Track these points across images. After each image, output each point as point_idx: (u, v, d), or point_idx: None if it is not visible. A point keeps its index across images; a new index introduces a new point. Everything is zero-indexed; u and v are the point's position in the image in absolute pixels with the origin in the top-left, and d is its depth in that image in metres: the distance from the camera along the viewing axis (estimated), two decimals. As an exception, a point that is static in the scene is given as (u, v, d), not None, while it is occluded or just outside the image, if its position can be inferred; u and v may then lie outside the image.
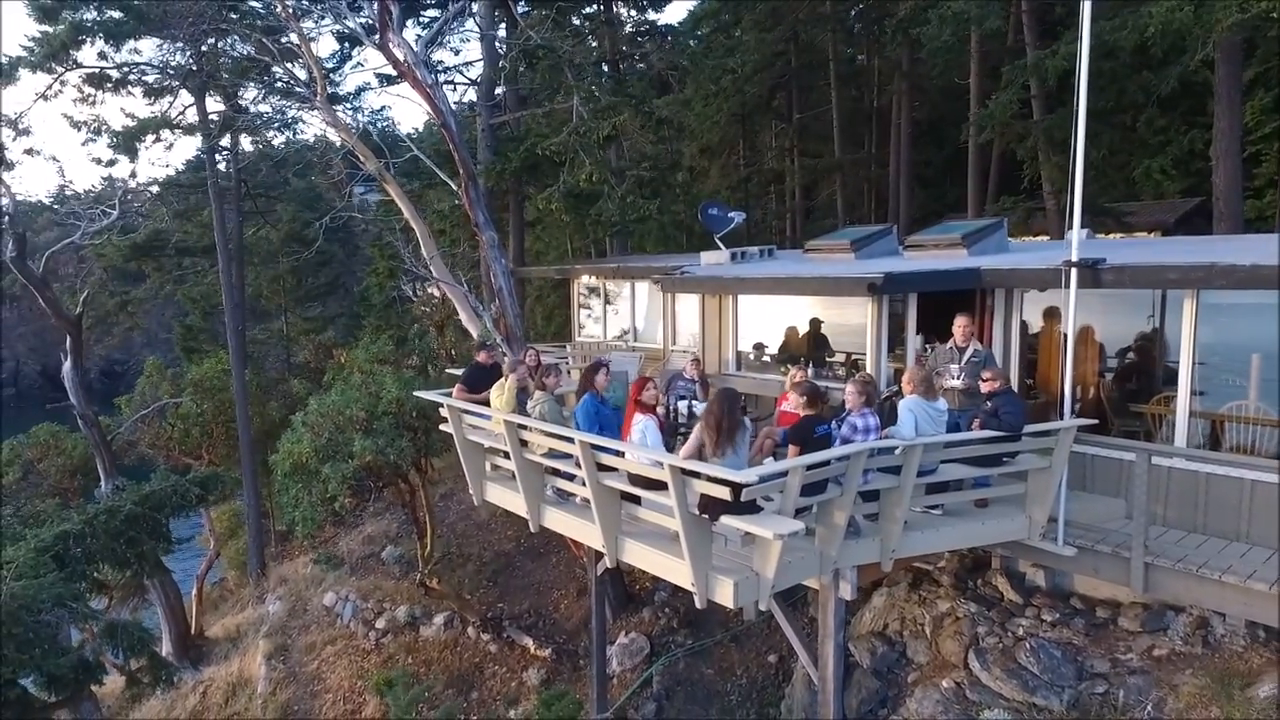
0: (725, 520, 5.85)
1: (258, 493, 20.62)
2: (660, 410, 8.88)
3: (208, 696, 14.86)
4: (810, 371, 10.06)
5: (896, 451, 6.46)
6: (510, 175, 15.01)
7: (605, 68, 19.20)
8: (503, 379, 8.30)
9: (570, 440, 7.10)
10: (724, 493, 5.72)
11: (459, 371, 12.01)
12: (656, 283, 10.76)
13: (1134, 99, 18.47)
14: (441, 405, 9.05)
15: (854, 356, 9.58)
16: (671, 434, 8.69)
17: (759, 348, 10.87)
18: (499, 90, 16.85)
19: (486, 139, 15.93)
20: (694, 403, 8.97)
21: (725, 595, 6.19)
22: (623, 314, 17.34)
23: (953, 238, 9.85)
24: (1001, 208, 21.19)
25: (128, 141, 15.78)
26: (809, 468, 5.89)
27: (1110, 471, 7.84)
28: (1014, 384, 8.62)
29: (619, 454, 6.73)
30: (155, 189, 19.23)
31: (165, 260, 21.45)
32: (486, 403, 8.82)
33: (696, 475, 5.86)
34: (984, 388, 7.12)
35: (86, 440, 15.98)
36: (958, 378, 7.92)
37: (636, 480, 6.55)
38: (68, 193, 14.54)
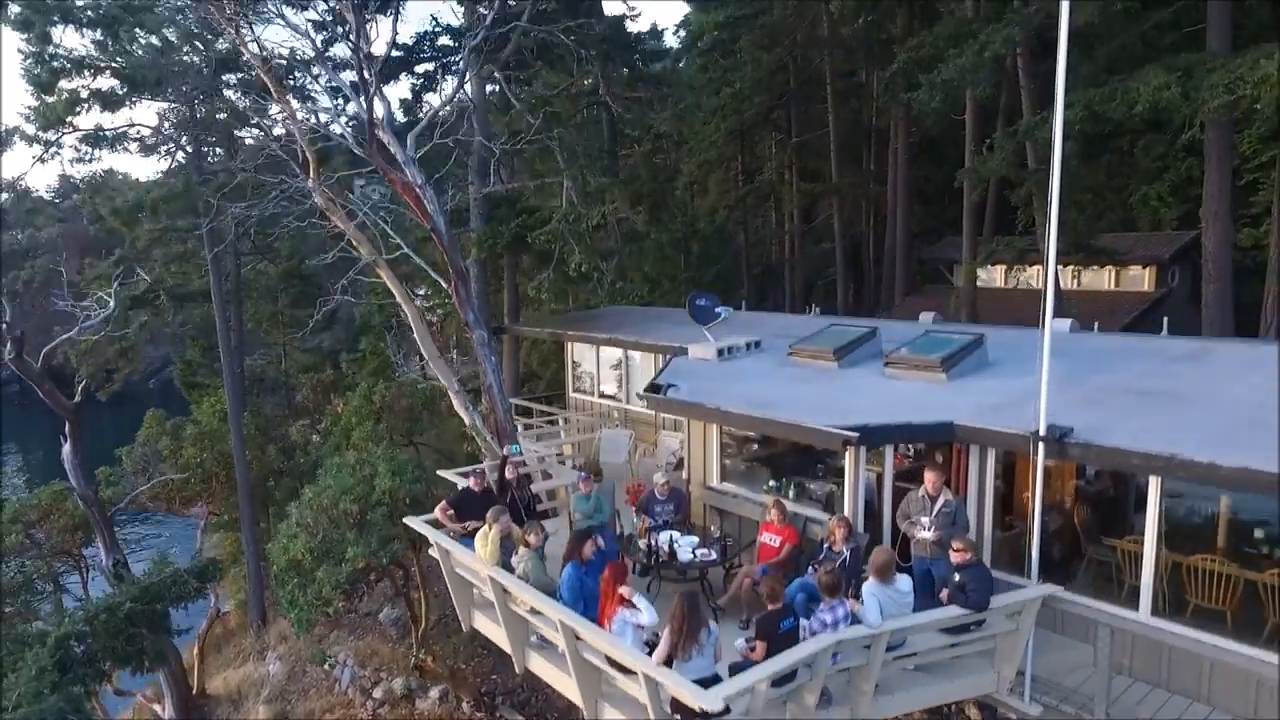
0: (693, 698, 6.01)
1: (256, 540, 20.93)
2: (643, 544, 9.13)
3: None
4: (792, 492, 10.31)
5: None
6: (502, 248, 15.16)
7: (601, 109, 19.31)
8: (487, 527, 8.50)
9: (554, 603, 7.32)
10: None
11: (451, 476, 12.26)
12: (642, 398, 10.93)
13: (1132, 124, 18.41)
14: (434, 537, 9.26)
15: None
16: (660, 565, 8.91)
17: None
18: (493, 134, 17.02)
19: (479, 208, 16.06)
20: (675, 538, 9.17)
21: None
22: (618, 375, 17.54)
23: (933, 361, 10.01)
24: (994, 250, 21.34)
25: (129, 214, 15.92)
26: (777, 678, 6.09)
27: (1078, 622, 8.05)
28: (989, 519, 8.85)
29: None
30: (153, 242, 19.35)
31: (161, 305, 21.65)
32: (472, 534, 9.08)
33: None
34: (954, 558, 7.33)
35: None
36: (929, 529, 8.12)
37: (614, 663, 6.77)
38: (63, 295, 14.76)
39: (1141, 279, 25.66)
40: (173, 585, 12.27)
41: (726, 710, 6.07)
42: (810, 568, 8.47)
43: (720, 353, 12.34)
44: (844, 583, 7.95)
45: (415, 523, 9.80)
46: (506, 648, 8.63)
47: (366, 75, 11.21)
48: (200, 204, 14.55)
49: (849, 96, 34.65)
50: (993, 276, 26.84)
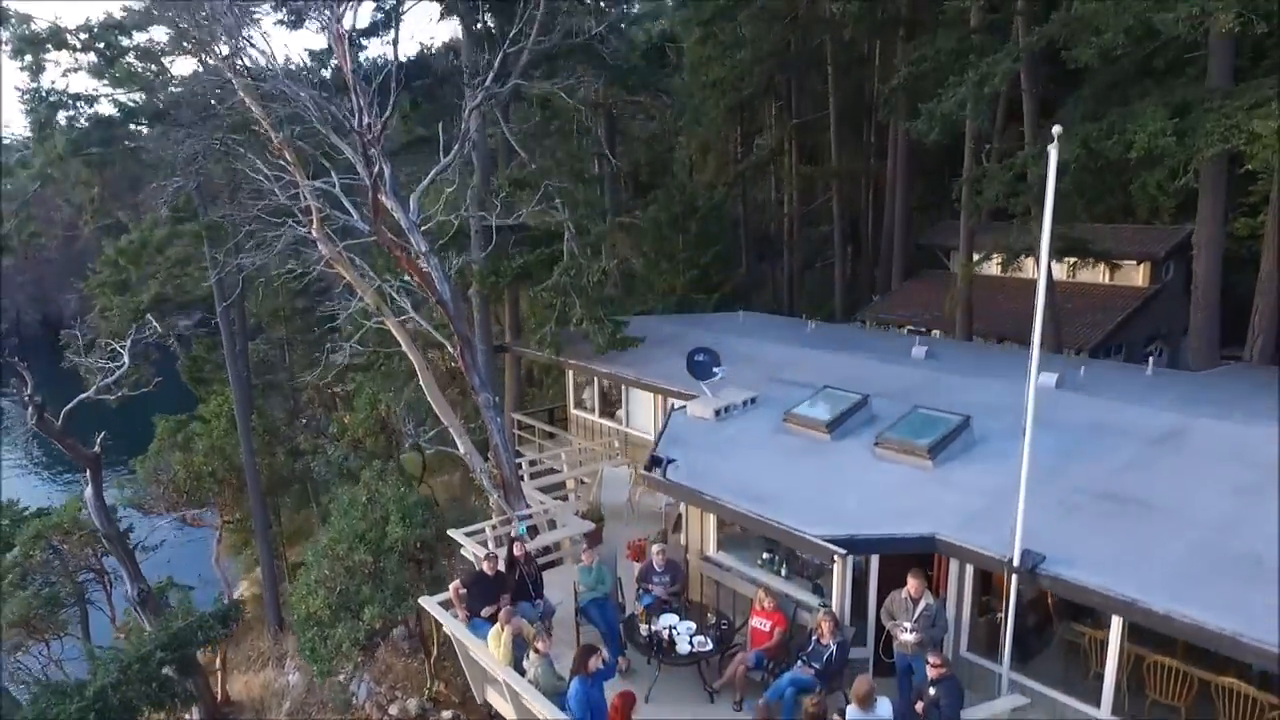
0: None
1: (269, 544, 21.75)
2: (644, 630, 9.78)
3: (239, 773, 16.34)
4: (784, 569, 10.91)
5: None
6: (503, 284, 15.43)
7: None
8: (499, 628, 9.12)
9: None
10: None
11: (459, 537, 12.81)
12: (641, 478, 11.43)
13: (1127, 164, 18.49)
14: (449, 624, 9.90)
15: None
16: (660, 653, 9.57)
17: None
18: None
19: (479, 239, 16.26)
20: (674, 626, 9.80)
21: None
22: (618, 410, 18.01)
23: (920, 447, 10.50)
24: (988, 253, 21.54)
25: (134, 254, 16.05)
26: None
27: (1044, 700, 8.74)
28: (966, 617, 9.49)
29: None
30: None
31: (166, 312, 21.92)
32: (487, 619, 9.76)
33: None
34: (930, 672, 7.96)
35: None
36: (910, 632, 8.76)
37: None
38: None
39: (1136, 274, 25.87)
40: (199, 629, 13.01)
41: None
42: (799, 660, 9.15)
43: (718, 413, 12.79)
44: (830, 675, 8.69)
45: (430, 605, 10.41)
46: (518, 728, 9.36)
47: (369, 152, 11.32)
48: (205, 250, 14.67)
49: (850, 69, 34.14)
50: (990, 266, 26.90)
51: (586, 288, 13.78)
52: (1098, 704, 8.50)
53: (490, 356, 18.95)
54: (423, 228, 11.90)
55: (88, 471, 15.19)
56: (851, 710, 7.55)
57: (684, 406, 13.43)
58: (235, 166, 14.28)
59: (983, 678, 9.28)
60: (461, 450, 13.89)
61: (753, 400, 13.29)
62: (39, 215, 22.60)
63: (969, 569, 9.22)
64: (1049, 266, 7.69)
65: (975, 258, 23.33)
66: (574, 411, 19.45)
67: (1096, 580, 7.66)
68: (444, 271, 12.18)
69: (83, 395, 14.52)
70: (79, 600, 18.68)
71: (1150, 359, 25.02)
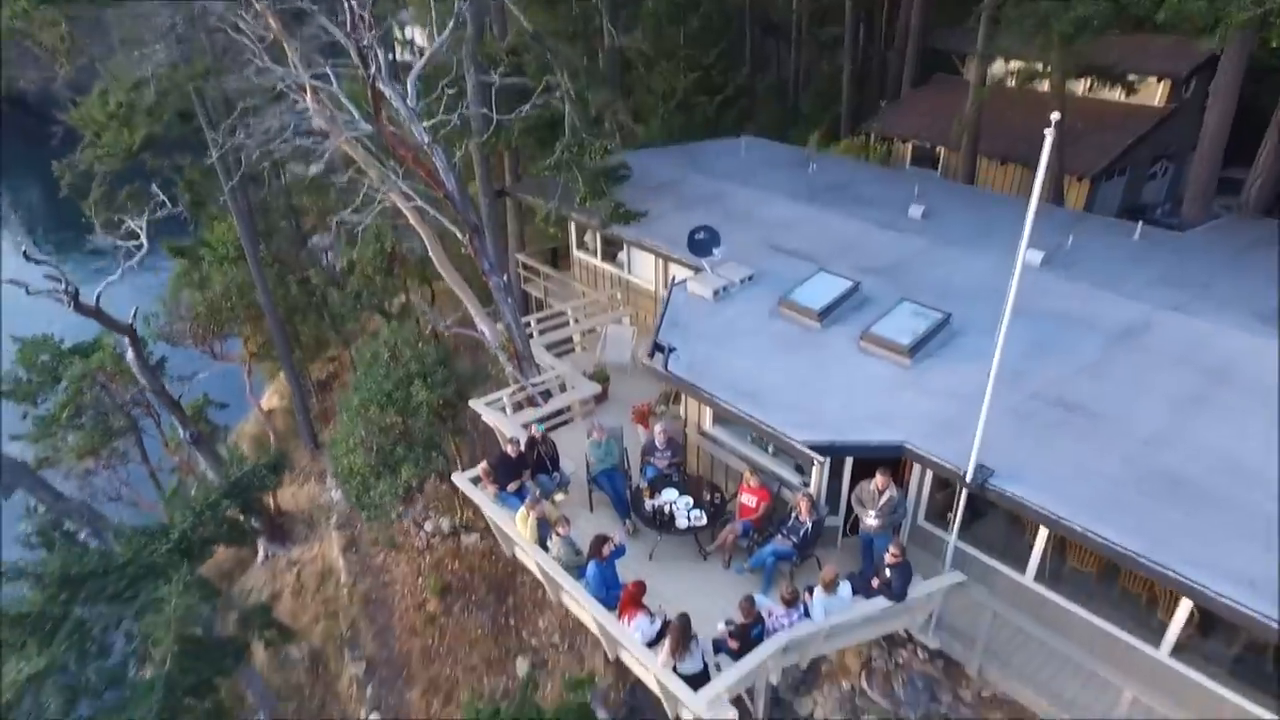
0: (688, 702, 8.70)
1: (294, 370, 23.28)
2: (649, 506, 11.41)
3: (302, 578, 19.15)
4: (771, 447, 12.30)
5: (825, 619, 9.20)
6: (505, 146, 15.39)
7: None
8: (526, 510, 10.67)
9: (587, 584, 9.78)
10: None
11: (479, 408, 14.08)
12: (645, 365, 12.38)
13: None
14: (479, 500, 11.50)
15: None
16: (661, 526, 11.24)
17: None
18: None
19: (476, 95, 15.91)
20: (674, 502, 11.39)
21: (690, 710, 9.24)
22: (619, 254, 18.54)
23: (901, 346, 11.45)
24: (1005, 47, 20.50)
25: (125, 116, 15.50)
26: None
27: (979, 566, 10.55)
28: (924, 504, 11.04)
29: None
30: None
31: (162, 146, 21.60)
32: (511, 490, 11.38)
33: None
34: (888, 559, 9.61)
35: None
36: (874, 518, 10.33)
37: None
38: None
39: (1155, 92, 25.00)
40: (254, 477, 14.80)
41: (707, 677, 8.78)
42: (780, 532, 10.83)
43: (716, 293, 13.55)
44: (805, 547, 10.41)
45: (461, 481, 11.93)
46: (543, 579, 11.27)
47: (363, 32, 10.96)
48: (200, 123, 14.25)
49: None
50: (1004, 72, 25.79)
51: (589, 163, 13.83)
52: (1023, 570, 10.26)
53: (492, 201, 19.15)
54: (426, 124, 11.80)
55: (126, 340, 16.18)
56: (818, 593, 9.27)
57: (684, 282, 14.14)
58: (219, 32, 13.61)
59: (935, 542, 11.02)
60: (477, 322, 14.79)
61: (750, 278, 13.98)
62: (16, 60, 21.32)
63: (928, 478, 10.63)
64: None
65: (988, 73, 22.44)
66: (576, 253, 19.98)
67: (1033, 497, 9.01)
68: (448, 162, 12.28)
69: (110, 279, 15.07)
70: (132, 428, 20.57)
71: (1154, 179, 24.98)
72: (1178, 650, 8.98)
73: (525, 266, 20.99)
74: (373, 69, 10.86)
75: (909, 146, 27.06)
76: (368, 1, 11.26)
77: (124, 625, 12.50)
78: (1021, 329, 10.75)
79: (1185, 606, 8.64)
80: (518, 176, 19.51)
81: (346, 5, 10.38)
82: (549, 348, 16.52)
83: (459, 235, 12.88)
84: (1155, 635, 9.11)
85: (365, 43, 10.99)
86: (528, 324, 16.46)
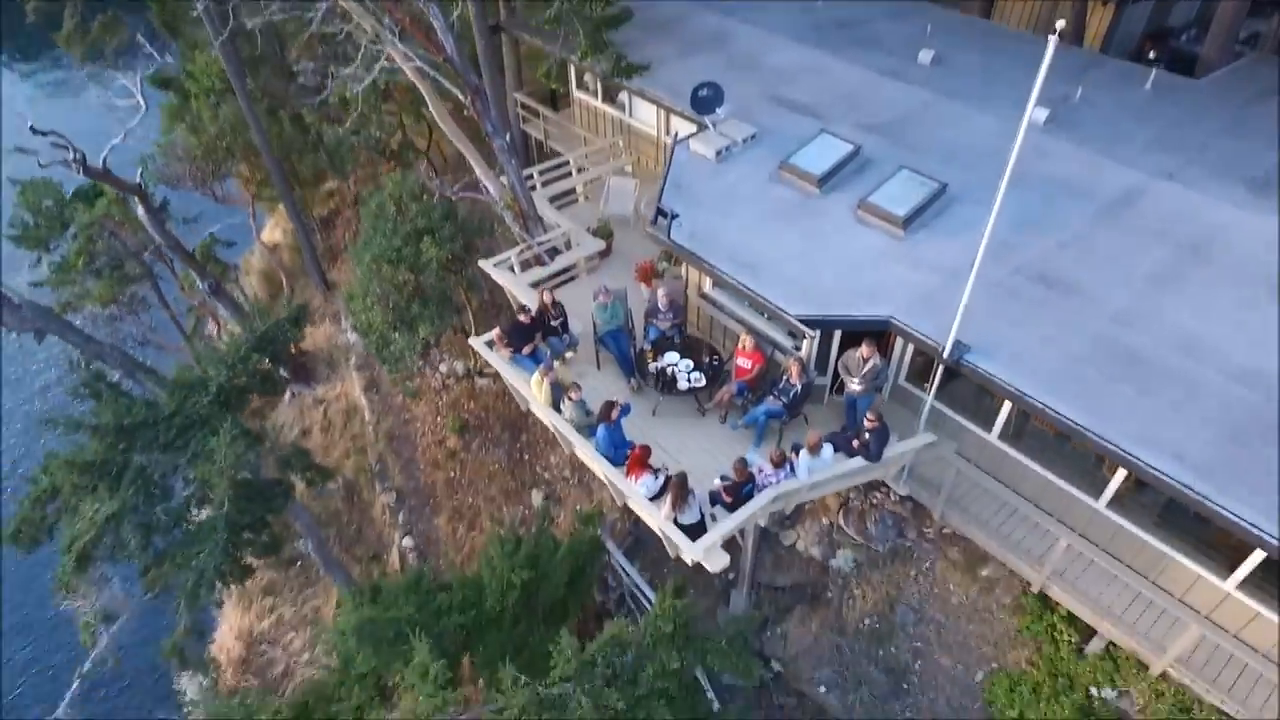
0: (686, 550, 10.11)
1: (297, 209, 23.37)
2: (652, 369, 12.37)
3: (329, 415, 20.58)
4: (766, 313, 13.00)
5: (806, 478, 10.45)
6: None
7: None
8: (540, 376, 11.60)
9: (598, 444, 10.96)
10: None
11: (488, 268, 14.59)
12: (649, 232, 12.71)
13: None
14: (495, 362, 12.40)
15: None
16: (667, 390, 12.24)
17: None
18: None
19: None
20: (675, 364, 12.31)
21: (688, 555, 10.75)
22: (621, 104, 18.18)
23: (895, 216, 11.83)
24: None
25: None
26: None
27: (950, 424, 11.71)
28: (905, 368, 11.95)
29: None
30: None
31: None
32: (526, 353, 12.30)
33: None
34: (867, 424, 10.67)
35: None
36: (857, 384, 11.31)
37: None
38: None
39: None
40: (278, 331, 15.61)
41: (704, 527, 10.18)
42: (772, 394, 11.86)
43: (718, 153, 13.64)
44: (794, 407, 11.51)
45: (478, 345, 12.78)
46: (555, 432, 12.47)
47: None
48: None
49: None
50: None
51: (590, 14, 13.30)
52: (990, 429, 11.39)
53: (488, 39, 18.44)
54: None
55: (136, 198, 16.24)
56: (803, 454, 10.42)
57: (687, 140, 14.15)
58: None
59: (913, 400, 12.09)
60: (481, 180, 14.95)
61: (753, 136, 13.99)
62: None
63: (909, 350, 11.44)
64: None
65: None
66: (577, 94, 19.51)
67: (1001, 373, 9.88)
68: (446, 22, 11.90)
69: (114, 141, 14.83)
70: (148, 275, 21.11)
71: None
72: (1114, 502, 10.29)
73: (524, 107, 20.55)
74: None
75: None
76: None
77: (180, 471, 13.91)
78: (1016, 198, 10.96)
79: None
80: (513, 9, 18.59)
81: None
82: (552, 200, 16.76)
83: (460, 96, 12.76)
84: (1097, 489, 10.38)
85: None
86: (530, 176, 16.55)
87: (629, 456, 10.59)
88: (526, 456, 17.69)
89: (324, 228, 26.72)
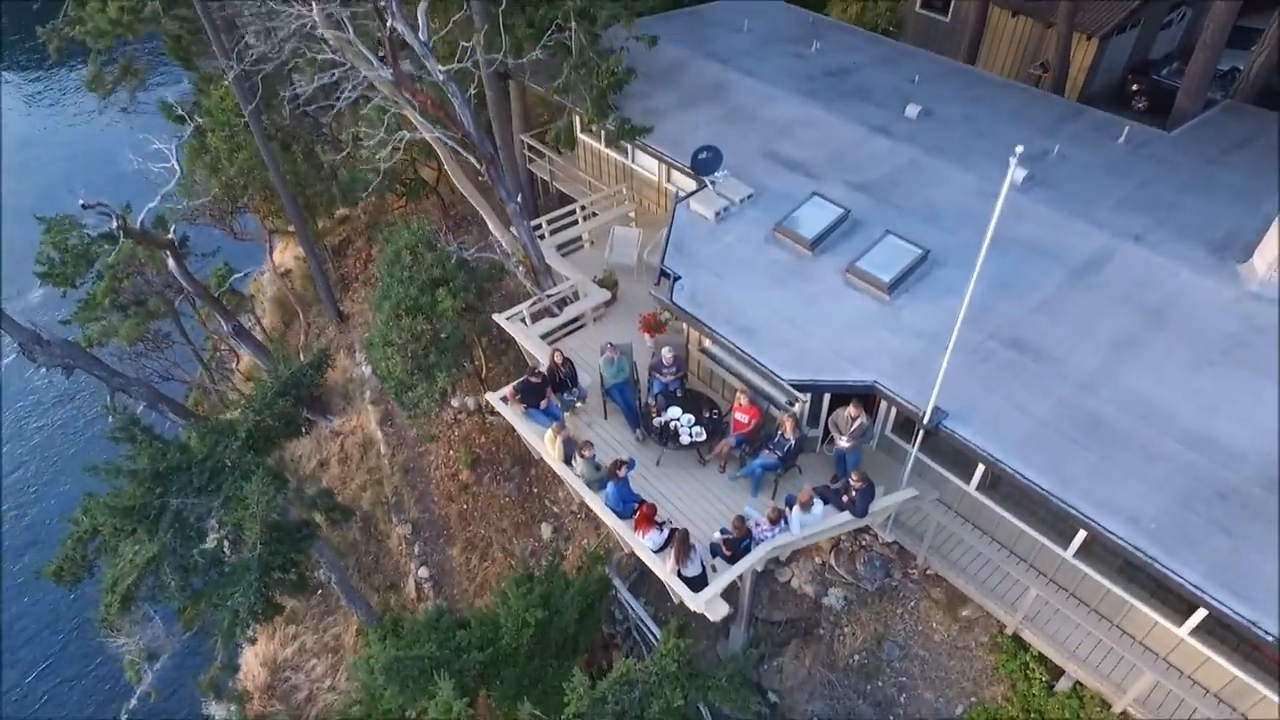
0: (689, 601, 11.05)
1: (310, 245, 24.29)
2: (656, 423, 13.29)
3: (346, 447, 21.52)
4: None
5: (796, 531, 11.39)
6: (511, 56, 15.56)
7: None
8: (553, 433, 12.52)
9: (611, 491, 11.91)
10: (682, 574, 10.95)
11: (502, 321, 15.50)
12: (653, 295, 13.62)
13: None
14: (508, 415, 13.32)
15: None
16: (670, 443, 13.16)
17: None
18: None
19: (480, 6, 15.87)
20: (678, 419, 13.23)
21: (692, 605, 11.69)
22: (624, 149, 19.04)
23: (881, 282, 12.75)
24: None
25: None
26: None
27: (933, 474, 12.66)
28: (890, 423, 12.87)
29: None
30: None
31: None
32: (543, 408, 13.22)
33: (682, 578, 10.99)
34: (853, 483, 11.61)
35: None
36: (846, 440, 12.24)
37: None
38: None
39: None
40: (302, 375, 16.55)
41: (705, 580, 11.12)
42: (767, 448, 12.79)
43: (718, 214, 14.55)
44: (788, 460, 12.44)
45: (494, 399, 13.71)
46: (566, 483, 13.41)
47: None
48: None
49: None
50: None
51: (597, 84, 14.17)
52: (969, 480, 12.31)
53: (497, 89, 19.34)
54: (444, 69, 12.20)
55: (169, 253, 17.16)
56: (796, 510, 11.36)
57: (688, 199, 15.04)
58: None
59: (898, 450, 13.02)
60: (492, 231, 15.86)
61: (749, 197, 14.89)
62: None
63: (893, 412, 12.38)
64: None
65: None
66: (581, 136, 20.36)
67: (975, 439, 10.79)
68: (464, 98, 12.78)
69: (151, 205, 15.75)
70: (171, 311, 22.02)
71: (1169, 26, 24.33)
72: (1080, 551, 11.22)
73: (530, 148, 21.41)
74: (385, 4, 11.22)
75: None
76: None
77: (214, 513, 14.85)
78: (993, 261, 11.82)
79: (1089, 524, 10.74)
80: (519, 54, 19.43)
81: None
82: (559, 247, 17.67)
83: (475, 163, 13.66)
84: (1065, 540, 11.30)
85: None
86: (539, 226, 17.45)
87: (636, 511, 11.52)
88: (535, 490, 18.63)
89: (335, 255, 27.63)
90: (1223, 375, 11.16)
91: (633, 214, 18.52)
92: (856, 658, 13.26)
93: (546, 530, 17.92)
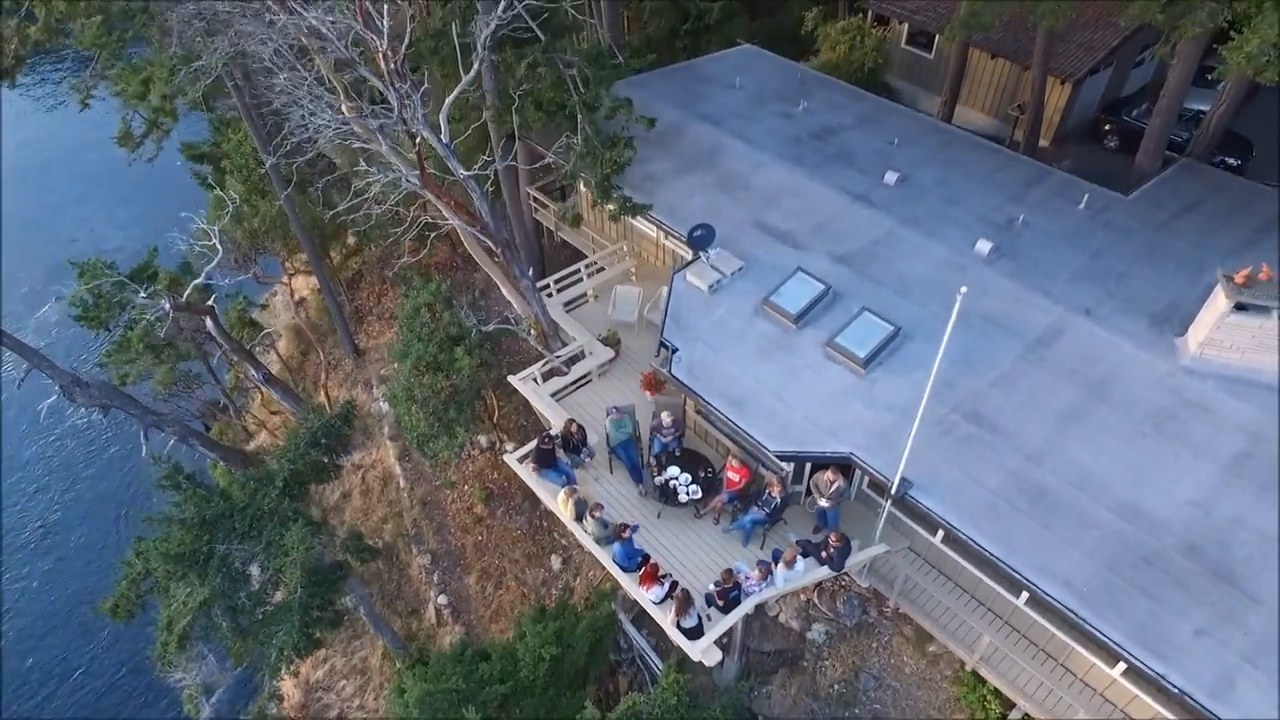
0: (688, 650, 12.67)
1: (327, 281, 25.74)
2: (657, 482, 14.87)
3: (367, 480, 23.08)
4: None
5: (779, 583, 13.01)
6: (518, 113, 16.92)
7: None
8: (565, 495, 14.09)
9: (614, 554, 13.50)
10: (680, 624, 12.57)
11: (516, 383, 17.01)
12: (654, 367, 15.15)
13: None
14: (524, 475, 14.90)
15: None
16: (669, 501, 14.74)
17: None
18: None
19: (489, 73, 17.25)
20: (676, 478, 14.81)
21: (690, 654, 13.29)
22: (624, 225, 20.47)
23: (858, 357, 14.29)
24: None
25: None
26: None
27: (906, 528, 14.27)
28: (866, 483, 14.46)
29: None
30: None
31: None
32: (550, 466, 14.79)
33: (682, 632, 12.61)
34: (832, 541, 13.22)
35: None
36: (826, 501, 13.84)
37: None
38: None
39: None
40: (332, 426, 18.11)
41: (702, 630, 12.74)
42: (755, 506, 14.37)
43: (710, 287, 16.06)
44: (775, 515, 14.02)
45: (511, 461, 15.27)
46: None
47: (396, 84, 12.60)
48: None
49: None
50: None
51: (601, 170, 15.64)
52: (935, 534, 13.90)
53: (504, 149, 20.73)
54: (466, 172, 13.65)
55: (208, 317, 18.68)
56: (780, 569, 12.97)
57: (684, 270, 16.53)
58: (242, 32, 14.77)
59: (874, 503, 14.61)
60: (506, 296, 17.35)
61: (740, 269, 16.40)
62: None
63: (866, 478, 13.95)
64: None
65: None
66: (584, 189, 21.77)
67: (937, 508, 12.38)
68: (482, 191, 14.25)
69: (196, 280, 17.23)
70: (200, 354, 23.50)
71: (1140, 65, 25.38)
72: (1029, 601, 12.84)
73: (536, 200, 22.84)
74: (409, 114, 12.65)
75: (905, 27, 27.38)
76: (401, 51, 12.83)
77: (256, 558, 16.45)
78: (958, 337, 13.45)
79: (1035, 580, 12.38)
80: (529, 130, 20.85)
81: (383, 56, 11.99)
82: (566, 304, 19.16)
83: (491, 246, 15.14)
84: (1016, 591, 12.91)
85: (404, 95, 12.69)
86: (546, 286, 18.94)
87: (640, 567, 13.13)
88: (545, 524, 20.24)
89: (349, 288, 29.08)
90: (1152, 447, 12.77)
91: (633, 270, 20.00)
92: (836, 687, 14.93)
93: (556, 562, 19.55)
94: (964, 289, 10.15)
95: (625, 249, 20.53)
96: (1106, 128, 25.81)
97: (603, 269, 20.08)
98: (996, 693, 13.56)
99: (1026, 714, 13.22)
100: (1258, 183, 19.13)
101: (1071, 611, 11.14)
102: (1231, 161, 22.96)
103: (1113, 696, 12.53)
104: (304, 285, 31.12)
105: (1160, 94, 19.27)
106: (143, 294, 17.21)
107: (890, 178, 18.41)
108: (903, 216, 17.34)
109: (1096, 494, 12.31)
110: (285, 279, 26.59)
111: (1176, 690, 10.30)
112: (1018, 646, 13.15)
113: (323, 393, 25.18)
